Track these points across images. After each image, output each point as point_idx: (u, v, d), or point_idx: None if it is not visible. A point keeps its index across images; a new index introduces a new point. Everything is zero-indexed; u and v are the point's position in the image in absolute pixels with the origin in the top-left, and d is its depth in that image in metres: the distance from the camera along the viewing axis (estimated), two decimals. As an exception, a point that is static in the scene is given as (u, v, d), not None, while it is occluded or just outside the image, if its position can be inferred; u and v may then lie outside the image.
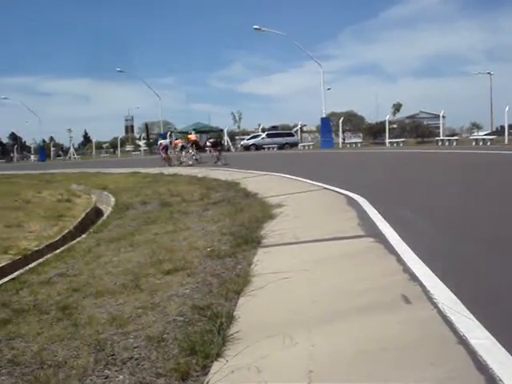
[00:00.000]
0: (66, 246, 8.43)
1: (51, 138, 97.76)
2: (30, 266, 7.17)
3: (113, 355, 3.60)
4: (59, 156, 76.54)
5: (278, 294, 4.33)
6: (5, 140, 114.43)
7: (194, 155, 27.48)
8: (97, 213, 13.58)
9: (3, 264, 7.44)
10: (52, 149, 76.92)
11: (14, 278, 6.44)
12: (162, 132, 62.09)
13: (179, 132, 67.00)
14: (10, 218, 11.41)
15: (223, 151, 27.41)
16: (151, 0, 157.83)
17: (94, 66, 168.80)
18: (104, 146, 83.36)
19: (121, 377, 3.30)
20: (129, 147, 76.44)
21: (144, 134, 74.12)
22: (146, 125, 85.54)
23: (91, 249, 7.74)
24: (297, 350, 3.14)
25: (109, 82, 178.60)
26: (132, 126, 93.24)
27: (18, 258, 7.86)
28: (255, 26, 45.31)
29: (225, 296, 4.46)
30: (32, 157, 78.01)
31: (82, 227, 10.74)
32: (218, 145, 27.42)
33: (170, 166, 26.65)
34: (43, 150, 70.97)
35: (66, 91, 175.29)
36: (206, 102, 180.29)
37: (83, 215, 12.04)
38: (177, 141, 31.39)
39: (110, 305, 4.74)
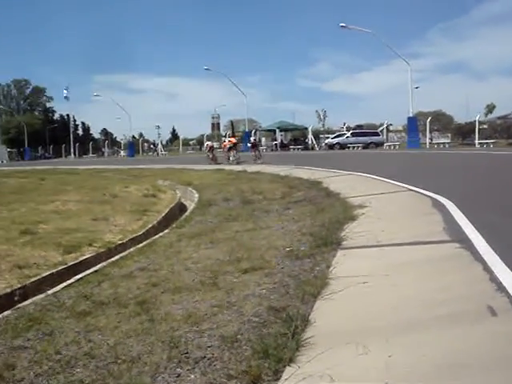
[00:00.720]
0: (148, 241, 8.57)
1: (140, 134, 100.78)
2: (113, 259, 7.33)
3: (186, 353, 3.60)
4: (149, 151, 78.67)
5: (355, 299, 4.21)
6: (97, 135, 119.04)
7: (229, 156, 30.59)
8: (181, 208, 13.80)
9: (87, 256, 7.66)
10: (145, 144, 79.04)
11: (96, 271, 6.60)
12: (246, 130, 62.56)
13: (264, 130, 67.42)
14: (97, 212, 11.78)
15: (259, 151, 30.73)
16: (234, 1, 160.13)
17: (183, 64, 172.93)
18: (191, 142, 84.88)
19: (192, 376, 3.29)
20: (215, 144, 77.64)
21: (229, 132, 74.96)
22: (232, 122, 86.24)
23: (172, 244, 7.83)
24: (372, 360, 3.01)
25: (196, 80, 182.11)
26: (218, 124, 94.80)
27: (102, 250, 8.08)
28: (341, 24, 44.88)
29: (301, 298, 4.38)
30: (122, 152, 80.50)
31: (166, 222, 10.92)
32: (255, 146, 30.82)
33: (217, 163, 29.87)
34: (132, 146, 73.03)
35: (155, 89, 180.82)
36: (292, 101, 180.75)
37: (167, 210, 12.25)
38: (225, 143, 34.48)
39: (187, 301, 4.76)
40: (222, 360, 3.42)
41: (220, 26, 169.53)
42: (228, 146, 31.44)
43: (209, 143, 35.13)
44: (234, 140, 31.70)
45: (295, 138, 61.05)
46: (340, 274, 4.88)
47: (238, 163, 27.86)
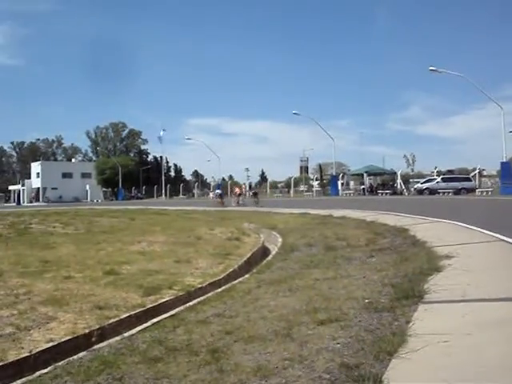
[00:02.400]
0: (228, 285, 8.55)
1: (230, 177, 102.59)
2: (191, 303, 7.33)
3: (250, 409, 3.48)
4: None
5: (434, 360, 3.95)
6: (188, 177, 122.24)
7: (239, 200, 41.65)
8: (264, 252, 13.75)
9: (166, 299, 7.71)
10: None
11: (173, 315, 6.61)
12: (334, 173, 62.37)
13: (352, 174, 66.90)
14: (180, 254, 11.93)
15: (258, 196, 42.46)
16: (324, 46, 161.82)
17: (273, 108, 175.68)
18: (279, 185, 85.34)
19: (256, 435, 3.17)
20: (302, 187, 77.67)
21: (317, 175, 74.88)
22: (320, 166, 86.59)
23: (251, 290, 7.76)
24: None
25: (286, 124, 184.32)
26: (306, 167, 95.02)
27: (181, 294, 8.12)
28: (431, 68, 44.32)
29: (376, 356, 4.16)
30: (211, 194, 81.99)
31: (247, 266, 10.89)
32: (256, 194, 43.80)
33: (224, 206, 37.81)
34: (220, 187, 74.18)
35: (245, 132, 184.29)
36: (381, 145, 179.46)
37: (249, 255, 12.24)
38: (236, 191, 45.08)
39: (259, 352, 4.64)
40: (288, 419, 3.28)
41: (310, 70, 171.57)
42: (238, 192, 43.11)
43: (218, 191, 47.81)
44: (239, 190, 44.41)
45: (384, 183, 60.14)
46: (419, 331, 4.62)
47: (243, 205, 37.81)
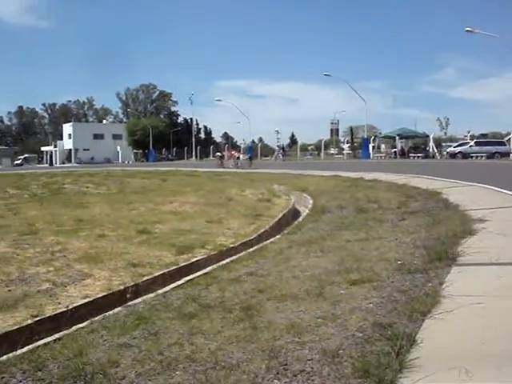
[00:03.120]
0: (259, 245, 8.60)
1: (260, 139, 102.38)
2: (224, 262, 7.41)
3: (285, 365, 3.52)
4: (266, 156, 79.54)
5: (467, 321, 3.94)
6: (218, 139, 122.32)
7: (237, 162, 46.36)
8: (294, 214, 13.76)
9: (199, 258, 7.81)
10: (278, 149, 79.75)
11: (206, 273, 6.69)
12: (365, 136, 61.79)
13: (383, 137, 66.19)
14: (212, 214, 12.02)
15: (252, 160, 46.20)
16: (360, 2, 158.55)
17: (304, 69, 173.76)
18: (309, 147, 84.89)
19: (289, 390, 3.21)
20: (332, 150, 77.21)
21: (348, 138, 74.17)
22: (351, 128, 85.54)
23: (282, 250, 7.80)
24: (481, 390, 2.79)
25: (317, 86, 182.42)
26: (337, 129, 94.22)
27: (213, 253, 8.20)
28: (467, 28, 43.24)
29: (409, 316, 4.16)
30: (241, 156, 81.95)
31: (278, 227, 10.93)
32: (251, 158, 48.40)
33: (224, 167, 43.09)
34: (251, 150, 74.11)
35: (276, 94, 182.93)
36: (413, 107, 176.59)
37: (280, 216, 12.27)
38: (233, 152, 53.64)
39: (291, 310, 4.68)
40: (321, 375, 3.31)
41: (343, 31, 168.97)
42: (236, 155, 49.57)
43: (219, 154, 53.58)
44: (237, 154, 51.31)
45: (415, 146, 59.43)
46: (453, 293, 4.60)
47: (238, 167, 41.81)
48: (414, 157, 52.25)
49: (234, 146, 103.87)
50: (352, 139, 74.32)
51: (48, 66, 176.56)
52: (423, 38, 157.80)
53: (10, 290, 6.21)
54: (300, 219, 11.64)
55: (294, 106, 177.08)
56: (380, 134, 74.09)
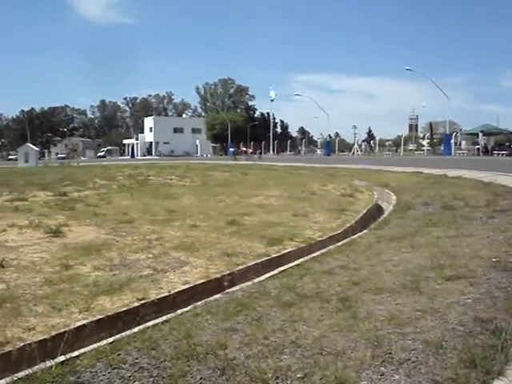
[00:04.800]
0: (347, 240, 8.70)
1: (336, 134, 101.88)
2: (313, 254, 7.56)
3: (389, 353, 3.65)
4: (343, 151, 79.12)
5: None
6: (294, 134, 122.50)
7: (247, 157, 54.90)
8: (377, 210, 13.74)
9: (289, 250, 8.00)
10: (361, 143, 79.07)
11: (298, 265, 6.87)
12: (446, 132, 60.31)
13: (466, 134, 64.46)
14: (296, 208, 12.20)
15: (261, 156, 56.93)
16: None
17: (383, 64, 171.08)
18: (387, 143, 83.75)
19: (396, 377, 3.32)
20: (411, 146, 75.87)
21: (428, 134, 72.68)
22: (431, 124, 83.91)
23: (371, 245, 7.88)
24: None
25: (395, 81, 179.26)
26: (416, 125, 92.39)
27: (302, 245, 8.37)
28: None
29: (511, 312, 4.21)
30: (318, 151, 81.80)
31: (363, 223, 10.97)
32: (260, 153, 59.94)
33: (237, 160, 49.58)
34: (329, 145, 73.86)
35: (354, 89, 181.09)
36: (496, 103, 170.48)
37: (365, 211, 12.31)
38: (243, 148, 65.15)
39: (389, 303, 4.79)
40: (427, 364, 3.42)
41: (423, 25, 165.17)
42: (249, 151, 61.44)
43: (231, 149, 66.67)
44: (248, 149, 64.40)
45: (499, 143, 57.55)
46: (554, 291, 4.60)
47: (250, 160, 47.36)
48: (498, 154, 50.61)
49: (311, 141, 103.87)
50: (432, 135, 72.81)
51: (130, 60, 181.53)
52: (506, 33, 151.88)
53: (114, 275, 6.58)
54: (385, 215, 11.64)
55: (371, 101, 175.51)
56: (460, 130, 72.16)
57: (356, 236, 9.04)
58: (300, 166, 32.01)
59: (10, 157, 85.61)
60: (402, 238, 8.16)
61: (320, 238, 8.94)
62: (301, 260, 7.20)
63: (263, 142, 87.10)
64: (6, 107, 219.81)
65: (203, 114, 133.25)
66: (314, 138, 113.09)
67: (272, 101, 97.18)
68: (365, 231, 9.56)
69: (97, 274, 6.58)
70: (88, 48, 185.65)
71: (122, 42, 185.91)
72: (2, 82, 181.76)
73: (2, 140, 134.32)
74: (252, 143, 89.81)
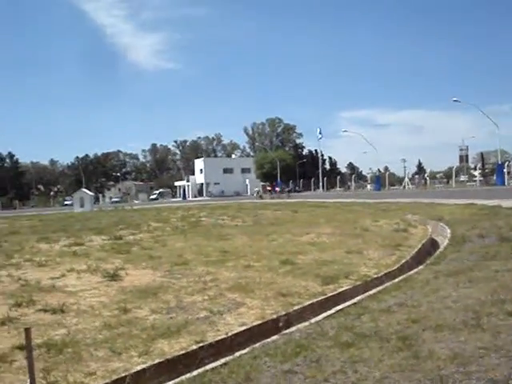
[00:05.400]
0: (403, 276, 8.59)
1: (386, 168, 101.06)
2: (370, 292, 7.49)
3: (455, 394, 3.57)
4: (393, 185, 78.33)
5: None
6: (343, 169, 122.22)
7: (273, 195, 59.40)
8: (432, 244, 13.51)
9: (345, 288, 7.92)
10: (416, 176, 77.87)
11: (355, 303, 6.80)
12: (498, 162, 59.06)
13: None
14: (350, 245, 12.11)
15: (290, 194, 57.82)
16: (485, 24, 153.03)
17: (427, 96, 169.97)
18: (437, 175, 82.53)
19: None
20: (463, 177, 74.57)
21: (479, 164, 71.37)
22: (482, 154, 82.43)
23: (429, 281, 7.74)
24: None
25: (442, 112, 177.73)
26: (466, 156, 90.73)
27: (358, 283, 8.28)
28: None
29: None
30: (368, 186, 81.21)
31: (419, 258, 10.80)
32: (289, 191, 60.98)
33: (262, 199, 53.69)
34: (379, 180, 73.29)
35: (400, 122, 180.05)
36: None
37: (420, 246, 12.11)
38: (268, 187, 68.14)
39: (451, 341, 4.69)
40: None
41: (467, 55, 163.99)
42: (270, 189, 66.33)
43: (256, 189, 70.34)
44: (271, 187, 68.32)
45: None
46: None
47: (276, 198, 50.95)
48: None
49: (360, 176, 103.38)
50: (483, 165, 71.45)
51: (178, 104, 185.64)
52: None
53: (171, 318, 6.64)
54: (441, 249, 11.45)
55: (419, 134, 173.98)
56: (513, 158, 70.64)
57: (412, 272, 8.92)
58: (351, 202, 31.83)
59: (66, 202, 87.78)
60: (459, 272, 8.00)
61: (376, 275, 8.84)
62: (357, 298, 7.14)
63: (312, 179, 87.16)
64: (62, 155, 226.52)
65: (252, 153, 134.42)
66: (364, 172, 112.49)
67: (320, 139, 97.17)
68: (421, 267, 9.41)
69: (154, 317, 6.66)
70: (138, 94, 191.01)
71: (170, 87, 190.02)
72: (56, 131, 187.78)
73: (58, 186, 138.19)
74: (301, 180, 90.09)
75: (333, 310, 6.52)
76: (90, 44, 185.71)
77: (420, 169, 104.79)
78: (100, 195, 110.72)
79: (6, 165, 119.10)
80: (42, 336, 5.78)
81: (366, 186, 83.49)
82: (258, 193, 65.03)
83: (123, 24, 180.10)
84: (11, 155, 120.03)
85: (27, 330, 4.19)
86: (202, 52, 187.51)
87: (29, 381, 4.02)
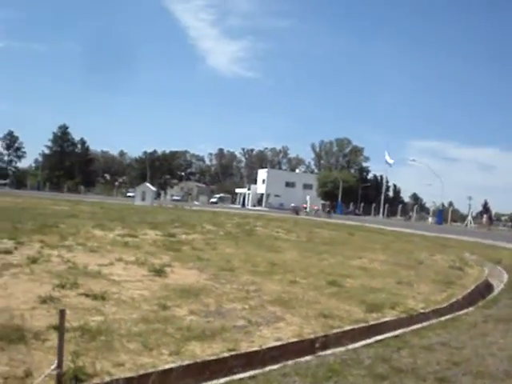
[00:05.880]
0: (451, 315, 8.31)
1: (450, 203, 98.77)
2: (414, 327, 7.27)
3: None
4: (455, 221, 76.48)
5: None
6: (406, 199, 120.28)
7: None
8: (487, 287, 13.04)
9: (389, 319, 7.69)
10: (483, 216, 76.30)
11: (396, 336, 6.61)
12: None
13: None
14: (401, 275, 11.82)
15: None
16: None
17: (502, 134, 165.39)
18: (502, 218, 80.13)
19: None
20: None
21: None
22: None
23: (477, 324, 7.47)
24: None
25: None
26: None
27: (403, 315, 8.03)
28: None
29: None
30: (429, 218, 79.51)
31: (471, 299, 10.41)
32: (329, 211, 64.28)
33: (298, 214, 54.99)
34: (441, 214, 71.65)
35: (470, 158, 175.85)
36: None
37: (473, 287, 11.68)
38: (304, 205, 70.71)
39: (491, 390, 4.48)
40: None
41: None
42: (315, 208, 68.20)
43: (292, 205, 70.23)
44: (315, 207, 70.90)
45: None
46: None
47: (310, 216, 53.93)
48: None
49: (423, 208, 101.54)
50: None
51: (250, 113, 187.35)
52: None
53: (208, 321, 6.59)
54: (495, 293, 11.05)
55: (489, 173, 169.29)
56: None
57: (461, 312, 8.62)
58: (409, 233, 31.17)
59: (129, 194, 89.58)
60: (511, 320, 7.67)
61: (422, 310, 8.55)
62: (400, 331, 6.94)
63: (374, 204, 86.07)
64: (131, 147, 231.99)
65: (316, 170, 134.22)
66: (427, 204, 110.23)
67: (390, 166, 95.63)
68: (471, 308, 9.09)
69: (192, 318, 6.63)
70: (213, 98, 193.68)
71: (245, 95, 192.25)
72: (126, 122, 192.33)
73: (124, 177, 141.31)
74: (362, 204, 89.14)
75: (372, 339, 6.35)
76: (171, 43, 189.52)
77: (486, 209, 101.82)
78: (162, 191, 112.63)
79: (76, 150, 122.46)
80: (79, 320, 5.83)
81: (427, 219, 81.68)
82: (294, 208, 65.60)
83: (208, 28, 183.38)
84: (83, 141, 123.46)
85: (62, 312, 4.24)
86: (281, 63, 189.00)
87: (56, 362, 4.05)
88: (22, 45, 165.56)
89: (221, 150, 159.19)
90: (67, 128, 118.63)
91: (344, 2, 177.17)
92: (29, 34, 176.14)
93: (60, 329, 4.21)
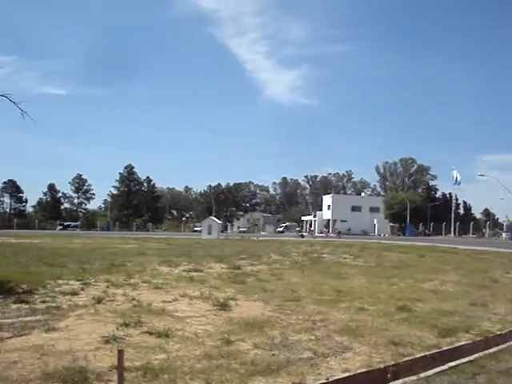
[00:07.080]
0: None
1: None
2: (490, 350, 6.88)
3: None
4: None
5: None
6: (478, 215, 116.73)
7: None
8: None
9: (463, 343, 7.29)
10: None
11: (471, 361, 6.26)
12: None
13: None
14: (475, 296, 11.32)
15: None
16: None
17: None
18: None
19: None
20: None
21: None
22: None
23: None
24: None
25: None
26: None
27: (478, 339, 7.62)
28: None
29: None
30: (503, 234, 76.79)
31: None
32: (339, 232, 68.30)
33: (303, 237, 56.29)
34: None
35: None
36: None
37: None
38: (311, 228, 73.87)
39: None
40: None
41: None
42: (325, 230, 71.69)
43: (297, 228, 72.75)
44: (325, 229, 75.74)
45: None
46: None
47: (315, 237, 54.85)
48: None
49: (496, 224, 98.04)
50: None
51: (311, 140, 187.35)
52: None
53: (273, 355, 6.43)
54: None
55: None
56: None
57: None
58: (482, 250, 30.10)
59: (196, 228, 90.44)
60: None
61: (499, 332, 8.10)
62: (475, 355, 6.59)
63: (444, 223, 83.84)
64: (195, 182, 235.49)
65: (382, 192, 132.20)
66: (500, 220, 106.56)
67: (459, 184, 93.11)
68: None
69: (256, 352, 6.49)
70: (273, 127, 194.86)
71: (305, 122, 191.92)
72: (192, 159, 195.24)
73: (190, 212, 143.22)
74: (432, 223, 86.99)
75: (446, 366, 6.04)
76: (229, 78, 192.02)
77: None
78: (229, 224, 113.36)
79: (143, 188, 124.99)
80: (142, 359, 5.79)
81: (501, 235, 78.91)
82: (298, 231, 70.62)
83: (264, 60, 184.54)
84: (149, 180, 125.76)
85: (120, 352, 4.19)
86: (338, 88, 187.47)
87: (116, 403, 3.99)
88: (85, 91, 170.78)
89: (284, 179, 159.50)
90: (133, 168, 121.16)
91: (391, 22, 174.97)
92: (91, 80, 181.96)
93: (119, 369, 4.17)
